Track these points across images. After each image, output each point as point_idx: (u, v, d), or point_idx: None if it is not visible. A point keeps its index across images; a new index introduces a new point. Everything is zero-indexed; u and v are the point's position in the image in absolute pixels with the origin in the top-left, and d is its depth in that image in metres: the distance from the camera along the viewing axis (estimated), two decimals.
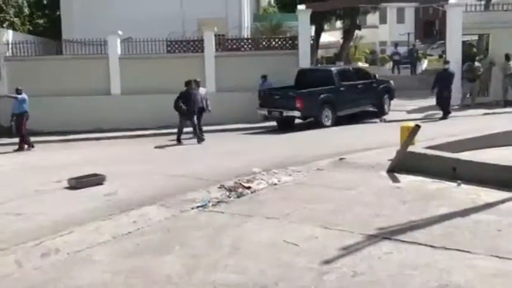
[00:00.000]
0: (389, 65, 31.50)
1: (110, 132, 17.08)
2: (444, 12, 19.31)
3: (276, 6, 31.36)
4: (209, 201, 6.60)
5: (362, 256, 4.45)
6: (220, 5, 21.62)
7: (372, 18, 42.28)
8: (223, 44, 19.51)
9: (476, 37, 22.50)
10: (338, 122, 15.45)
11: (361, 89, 16.59)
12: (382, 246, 4.65)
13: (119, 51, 18.95)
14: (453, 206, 5.67)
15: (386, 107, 17.39)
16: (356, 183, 7.06)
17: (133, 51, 19.12)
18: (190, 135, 14.45)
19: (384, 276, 4.04)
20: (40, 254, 5.10)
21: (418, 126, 7.57)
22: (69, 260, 4.92)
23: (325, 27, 31.44)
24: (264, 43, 19.90)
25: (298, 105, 14.95)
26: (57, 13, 24.72)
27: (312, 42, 20.31)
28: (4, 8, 23.55)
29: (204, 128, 14.63)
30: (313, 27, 23.82)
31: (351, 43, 32.38)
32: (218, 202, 6.60)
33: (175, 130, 14.30)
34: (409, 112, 17.21)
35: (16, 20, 24.29)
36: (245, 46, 19.86)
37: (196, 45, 19.26)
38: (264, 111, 16.10)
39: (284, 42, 19.35)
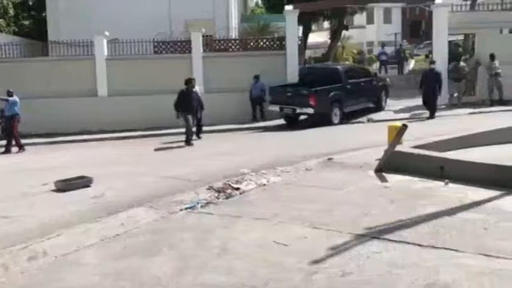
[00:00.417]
0: (377, 65, 31.63)
1: (97, 134, 16.98)
2: (430, 13, 19.47)
3: (264, 6, 31.40)
4: (198, 203, 6.57)
5: (351, 256, 4.47)
6: (208, 6, 21.60)
7: (359, 18, 42.45)
8: (211, 44, 19.49)
9: (462, 37, 22.70)
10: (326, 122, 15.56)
11: (364, 86, 17.35)
12: (370, 245, 4.67)
13: (105, 52, 18.83)
14: (441, 205, 5.71)
15: (383, 103, 18.20)
16: (344, 183, 7.08)
17: (120, 52, 19.02)
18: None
19: (373, 275, 4.06)
20: (27, 258, 5.04)
21: (405, 126, 7.63)
22: (56, 263, 4.87)
23: (313, 27, 31.56)
24: (252, 44, 19.91)
25: (311, 102, 15.39)
26: (43, 14, 24.55)
27: (299, 42, 20.40)
28: None
29: (193, 129, 14.54)
30: (300, 28, 23.91)
31: (339, 43, 32.47)
32: (207, 203, 6.58)
33: (164, 132, 14.17)
34: (396, 112, 17.32)
35: (1, 21, 24.06)
36: (233, 47, 19.86)
37: (183, 46, 19.20)
38: (276, 108, 16.40)
39: (272, 43, 19.39)
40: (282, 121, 16.82)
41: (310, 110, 15.51)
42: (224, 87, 17.59)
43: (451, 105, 17.50)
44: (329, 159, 8.77)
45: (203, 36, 18.84)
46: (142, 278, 4.34)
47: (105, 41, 18.78)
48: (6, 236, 5.92)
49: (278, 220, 5.61)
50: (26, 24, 27.05)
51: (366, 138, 11.52)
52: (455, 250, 4.43)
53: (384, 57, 29.62)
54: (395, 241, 4.72)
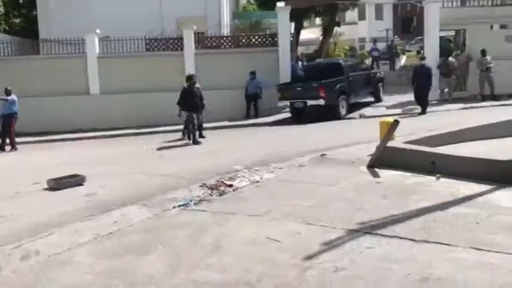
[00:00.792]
0: (369, 61, 31.70)
1: (90, 132, 16.91)
2: (422, 9, 19.55)
3: (256, 3, 31.35)
4: (191, 200, 6.57)
5: (344, 251, 4.48)
6: (200, 4, 21.50)
7: (351, 15, 42.53)
8: (203, 41, 19.44)
9: (453, 32, 22.76)
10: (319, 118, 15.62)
11: (364, 79, 18.28)
12: (363, 240, 4.68)
13: (97, 50, 18.75)
14: (433, 200, 5.73)
15: (381, 95, 19.11)
16: (337, 179, 7.10)
17: (111, 50, 18.91)
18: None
19: (366, 270, 4.07)
20: (20, 257, 5.03)
21: (397, 122, 7.67)
22: (49, 262, 4.85)
23: (305, 24, 31.64)
24: (244, 40, 19.87)
25: (322, 94, 15.85)
26: (34, 12, 24.35)
27: (291, 39, 20.41)
28: None
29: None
30: (292, 24, 23.91)
31: (331, 40, 32.52)
32: (200, 201, 6.58)
33: (156, 129, 14.04)
34: (388, 107, 17.37)
35: None
36: (225, 44, 19.80)
37: (175, 43, 19.13)
38: (286, 103, 16.91)
39: (264, 40, 19.36)
40: (274, 118, 16.84)
41: (322, 102, 15.92)
42: (216, 84, 17.54)
43: (443, 101, 17.56)
44: (322, 155, 8.80)
45: (195, 33, 18.80)
46: (135, 276, 4.33)
47: (96, 39, 18.69)
48: None
49: (271, 216, 5.61)
50: (16, 22, 26.81)
51: (358, 134, 11.54)
52: (448, 244, 4.45)
53: (375, 53, 29.64)
54: (388, 236, 4.74)
